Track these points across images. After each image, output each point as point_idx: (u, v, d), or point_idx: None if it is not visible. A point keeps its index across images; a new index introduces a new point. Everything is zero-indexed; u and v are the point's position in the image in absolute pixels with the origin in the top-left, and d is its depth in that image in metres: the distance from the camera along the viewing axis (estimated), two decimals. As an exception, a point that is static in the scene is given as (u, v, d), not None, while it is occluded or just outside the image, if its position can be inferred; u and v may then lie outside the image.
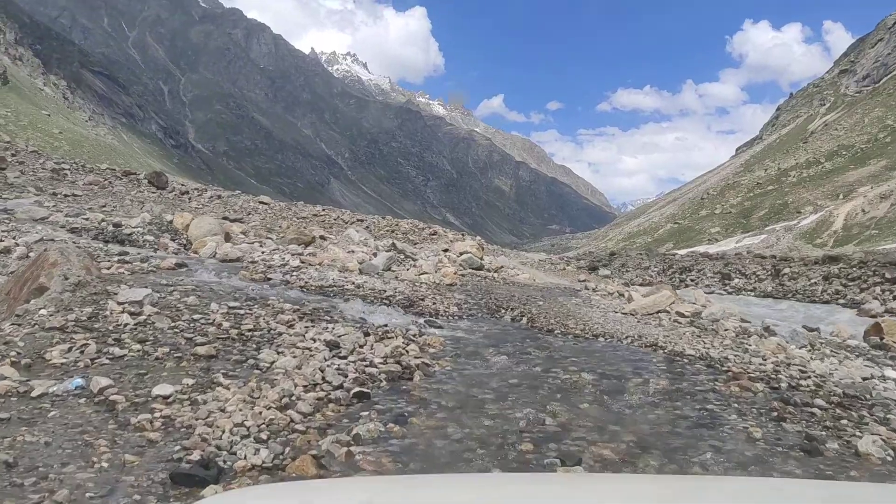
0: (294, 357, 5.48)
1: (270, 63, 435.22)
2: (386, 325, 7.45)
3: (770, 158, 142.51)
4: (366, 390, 4.91)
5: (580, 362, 6.72)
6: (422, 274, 12.71)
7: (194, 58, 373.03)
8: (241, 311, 7.00)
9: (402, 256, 14.44)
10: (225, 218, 16.12)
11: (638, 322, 9.91)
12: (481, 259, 16.12)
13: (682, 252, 51.58)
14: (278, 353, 5.63)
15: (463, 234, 27.86)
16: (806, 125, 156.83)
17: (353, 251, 13.86)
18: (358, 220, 22.02)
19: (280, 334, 6.33)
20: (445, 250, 17.13)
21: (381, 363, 5.76)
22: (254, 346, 5.89)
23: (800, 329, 11.12)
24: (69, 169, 21.37)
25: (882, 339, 10.63)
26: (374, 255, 13.60)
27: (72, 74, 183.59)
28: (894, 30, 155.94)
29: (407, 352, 6.28)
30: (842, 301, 22.25)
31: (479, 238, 25.60)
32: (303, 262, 11.72)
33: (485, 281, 14.15)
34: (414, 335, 7.17)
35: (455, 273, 13.38)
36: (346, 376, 5.19)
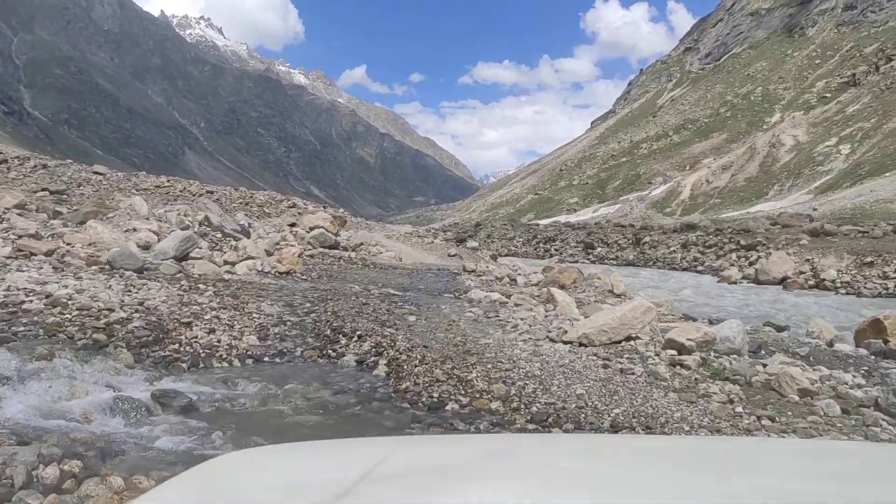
0: None
1: (115, 25, 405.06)
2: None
3: (623, 131, 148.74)
4: None
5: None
6: (244, 259, 10.07)
7: (28, 16, 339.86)
8: None
9: (220, 235, 11.68)
10: (45, 189, 14.01)
11: (613, 374, 5.44)
12: (336, 235, 14.01)
13: (545, 222, 52.57)
14: None
15: (325, 207, 26.48)
16: (655, 100, 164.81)
17: (134, 229, 10.47)
18: (207, 192, 20.20)
19: None
20: (292, 225, 14.68)
21: None
22: None
23: (767, 330, 8.83)
24: None
25: (887, 342, 7.63)
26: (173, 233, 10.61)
27: None
28: (732, 10, 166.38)
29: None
30: (700, 268, 22.99)
31: (342, 211, 24.35)
32: (21, 251, 8.10)
33: (337, 264, 11.85)
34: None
35: (298, 255, 11.07)
36: None
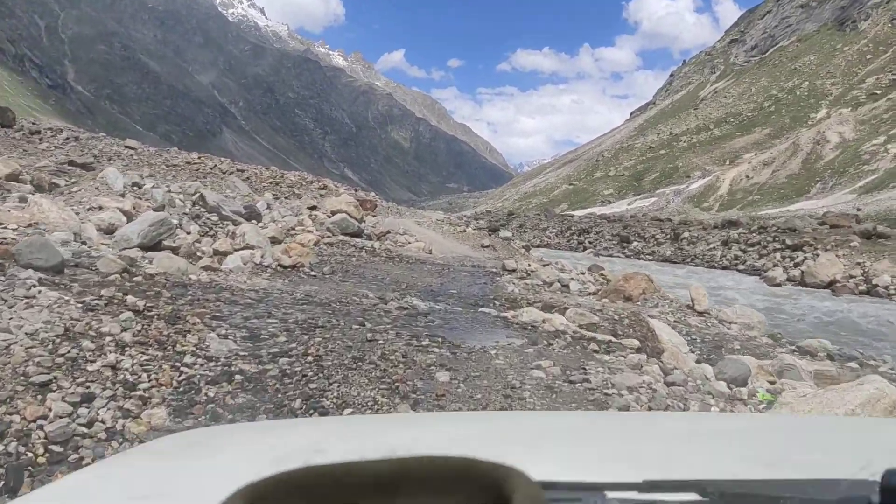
0: None
1: (160, 3, 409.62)
2: None
3: (662, 123, 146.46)
4: None
5: None
6: (240, 249, 8.30)
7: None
8: None
9: (215, 218, 9.69)
10: (71, 161, 13.69)
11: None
12: (360, 221, 12.32)
13: (580, 213, 51.67)
14: None
15: (356, 190, 26.05)
16: (697, 92, 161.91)
17: (100, 207, 8.58)
18: (238, 171, 19.83)
19: None
20: (312, 208, 13.05)
21: None
22: None
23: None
24: None
25: None
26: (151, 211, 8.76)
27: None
28: (782, 2, 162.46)
29: None
30: (742, 267, 22.10)
31: (372, 195, 23.88)
32: None
33: (357, 256, 9.99)
34: None
35: (314, 244, 9.59)
36: None
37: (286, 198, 17.72)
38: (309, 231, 10.55)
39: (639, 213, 50.88)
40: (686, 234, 26.49)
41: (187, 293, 5.85)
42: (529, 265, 11.17)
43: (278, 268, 8.15)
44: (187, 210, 9.86)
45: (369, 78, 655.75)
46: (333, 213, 12.14)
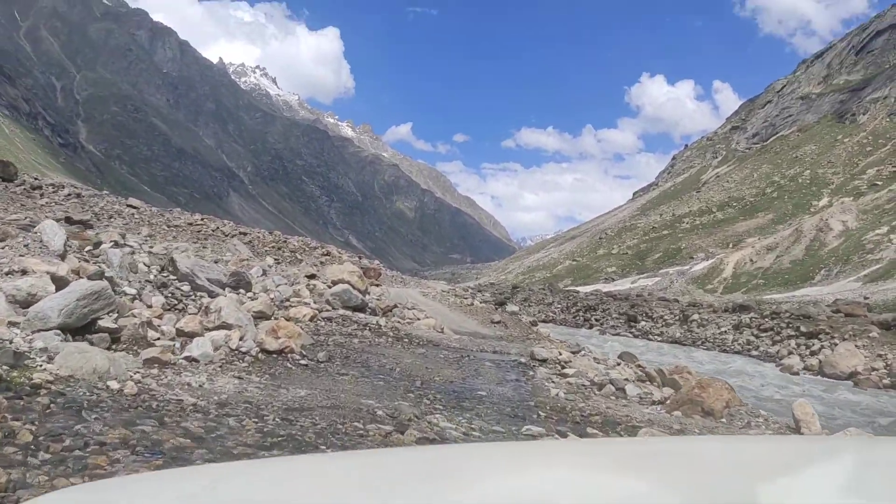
0: None
1: (175, 69, 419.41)
2: None
3: (665, 204, 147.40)
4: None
5: None
6: (214, 329, 6.65)
7: (92, 55, 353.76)
8: None
9: (187, 288, 8.09)
10: (67, 218, 13.23)
11: None
12: (364, 293, 10.95)
13: (585, 289, 51.13)
14: None
15: (360, 257, 25.60)
16: (699, 175, 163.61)
17: (23, 271, 6.72)
18: (240, 233, 19.43)
19: None
20: (311, 276, 11.72)
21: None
22: None
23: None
24: None
25: None
26: (93, 277, 6.63)
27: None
28: (782, 93, 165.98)
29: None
30: (755, 352, 21.42)
31: (377, 263, 23.41)
32: None
33: (360, 336, 8.51)
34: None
35: (309, 319, 8.26)
36: None
37: (288, 263, 17.23)
38: (305, 303, 9.33)
39: (643, 291, 50.31)
40: (696, 317, 25.90)
41: (77, 424, 3.74)
42: (560, 353, 9.42)
43: (260, 355, 6.43)
44: (152, 277, 8.25)
45: (376, 149, 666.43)
46: (334, 282, 10.91)
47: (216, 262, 10.92)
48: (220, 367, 5.72)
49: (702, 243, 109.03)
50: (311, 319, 8.45)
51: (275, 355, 6.47)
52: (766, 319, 23.39)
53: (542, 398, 6.72)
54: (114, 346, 5.60)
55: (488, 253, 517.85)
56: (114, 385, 4.61)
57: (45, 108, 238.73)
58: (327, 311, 9.54)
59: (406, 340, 9.05)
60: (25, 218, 11.59)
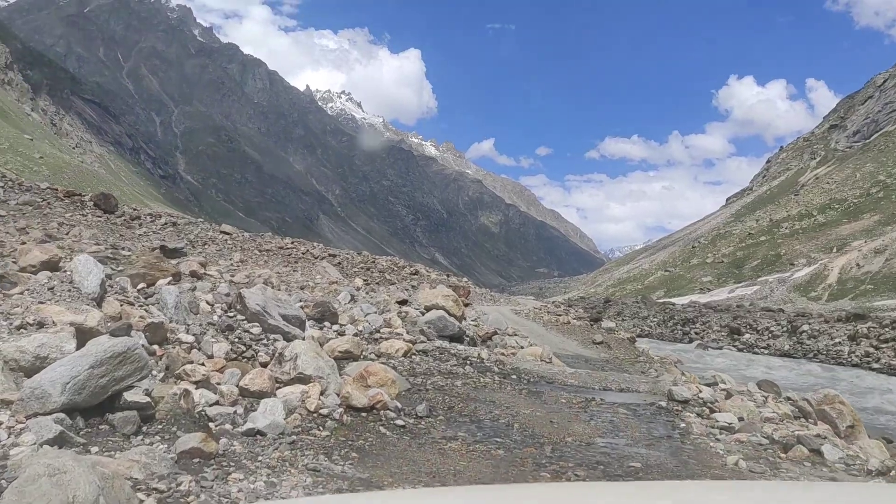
0: None
1: (265, 99, 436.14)
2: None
3: (761, 209, 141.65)
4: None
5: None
6: (288, 384, 5.39)
7: (188, 90, 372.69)
8: None
9: (257, 331, 6.69)
10: (162, 247, 13.45)
11: None
12: (460, 320, 9.67)
13: (682, 301, 49.32)
14: None
15: (448, 275, 25.34)
16: (796, 178, 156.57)
17: (40, 323, 5.27)
18: (330, 255, 19.50)
19: None
20: (402, 302, 10.43)
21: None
22: None
23: None
24: (1, 187, 18.75)
25: None
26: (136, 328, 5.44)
27: (62, 101, 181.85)
28: (884, 88, 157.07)
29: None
30: (876, 365, 19.84)
31: (465, 280, 23.08)
32: None
33: (462, 376, 7.12)
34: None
35: (403, 354, 7.21)
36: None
37: (377, 283, 17.10)
38: (397, 335, 8.18)
39: (743, 301, 48.08)
40: (805, 328, 24.27)
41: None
42: (700, 391, 7.39)
43: (345, 416, 5.04)
44: (216, 318, 6.81)
45: (459, 166, 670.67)
46: (427, 308, 9.77)
47: (303, 288, 10.57)
48: (291, 447, 4.28)
49: (803, 248, 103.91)
50: (404, 355, 7.44)
51: (364, 414, 5.19)
52: (887, 329, 21.68)
53: (716, 468, 5.06)
54: (145, 428, 4.17)
55: (575, 266, 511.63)
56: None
57: (147, 142, 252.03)
58: (422, 342, 8.37)
59: (514, 377, 7.69)
60: (104, 249, 11.62)
